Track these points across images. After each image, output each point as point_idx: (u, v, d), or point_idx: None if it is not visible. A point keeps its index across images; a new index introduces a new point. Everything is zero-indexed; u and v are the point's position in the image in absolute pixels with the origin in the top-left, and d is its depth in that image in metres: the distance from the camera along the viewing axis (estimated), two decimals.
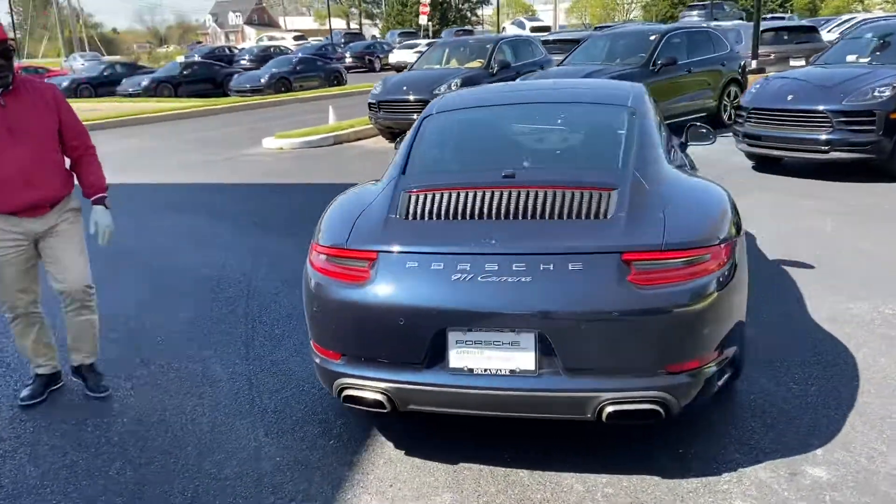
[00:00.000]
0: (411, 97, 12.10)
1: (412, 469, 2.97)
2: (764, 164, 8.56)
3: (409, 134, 3.69)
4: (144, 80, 24.86)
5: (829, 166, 7.91)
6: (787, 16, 35.01)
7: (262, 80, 23.68)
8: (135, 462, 3.11)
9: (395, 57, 33.66)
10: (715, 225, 2.82)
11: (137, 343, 4.37)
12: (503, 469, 2.92)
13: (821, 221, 6.19)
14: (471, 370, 2.65)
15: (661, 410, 2.62)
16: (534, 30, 39.05)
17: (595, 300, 2.54)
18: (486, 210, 2.88)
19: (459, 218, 2.89)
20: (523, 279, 2.59)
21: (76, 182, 3.61)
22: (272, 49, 33.10)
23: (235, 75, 25.20)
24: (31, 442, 3.32)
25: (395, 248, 2.80)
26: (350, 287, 2.77)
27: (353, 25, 70.62)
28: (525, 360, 2.61)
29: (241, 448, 3.18)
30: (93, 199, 3.59)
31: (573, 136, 3.80)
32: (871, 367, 3.59)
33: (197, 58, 30.45)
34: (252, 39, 61.13)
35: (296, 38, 46.08)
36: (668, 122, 4.72)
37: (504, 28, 44.13)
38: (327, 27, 45.57)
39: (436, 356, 2.68)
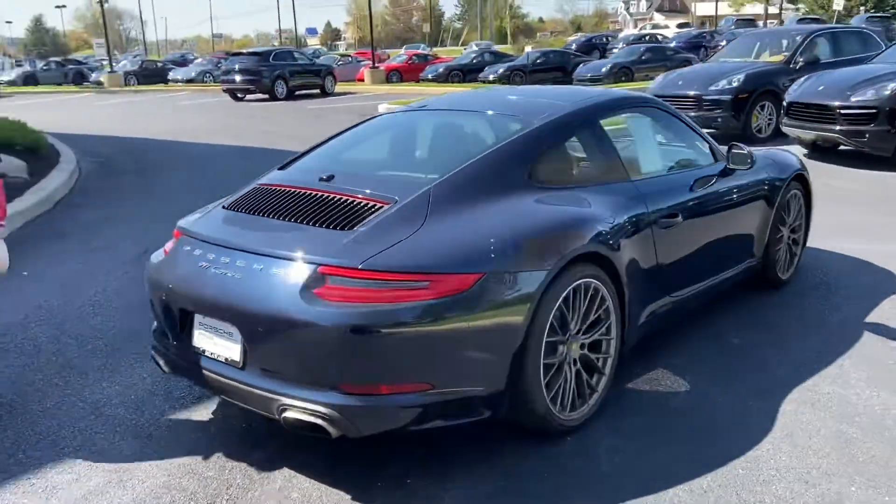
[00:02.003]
0: (688, 92, 10.95)
1: None
2: None
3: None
4: (500, 68, 26.55)
5: None
6: None
7: (603, 70, 23.45)
8: None
9: None
10: (464, 255, 2.55)
11: None
12: None
13: None
14: (203, 351, 2.73)
15: (328, 428, 2.42)
16: None
17: (277, 305, 2.47)
18: (268, 207, 2.92)
19: (249, 212, 2.96)
20: (236, 275, 2.61)
21: None
22: (646, 37, 32.47)
23: (581, 64, 25.39)
24: None
25: (187, 230, 3.01)
26: (158, 259, 3.05)
27: (773, 10, 64.67)
28: (235, 351, 2.62)
29: None
30: None
31: (443, 146, 3.28)
32: None
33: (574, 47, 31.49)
34: (650, 27, 60.30)
35: (679, 26, 44.26)
36: None
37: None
38: (746, 13, 42.34)
39: (185, 333, 2.81)
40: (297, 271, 2.50)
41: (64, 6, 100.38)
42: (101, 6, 35.35)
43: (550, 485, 2.58)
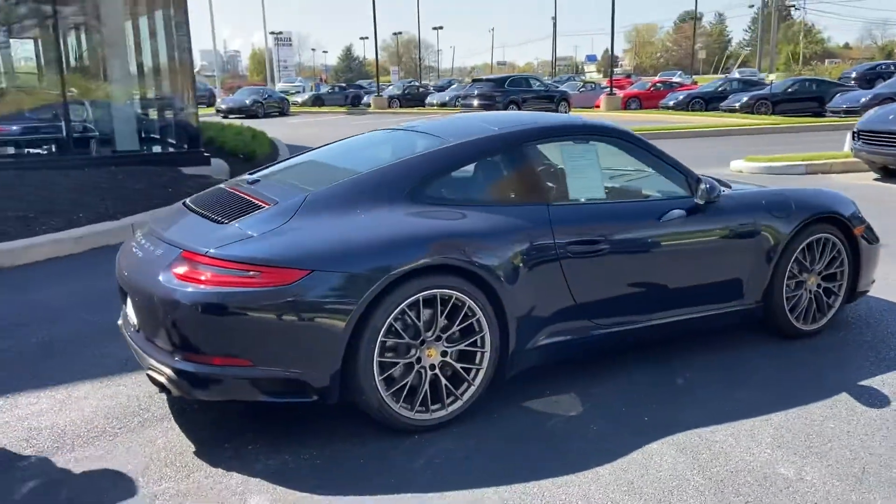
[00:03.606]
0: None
1: None
2: None
3: None
4: (745, 97, 25.03)
5: None
6: None
7: (862, 101, 20.95)
8: None
9: None
10: (295, 253, 2.86)
11: None
12: None
13: None
14: (130, 322, 3.24)
15: (171, 389, 2.90)
16: None
17: (148, 280, 2.98)
18: (204, 204, 3.46)
19: (190, 208, 3.49)
20: (143, 257, 3.17)
21: None
22: (879, 67, 28.45)
23: (837, 95, 22.95)
24: None
25: (147, 222, 3.67)
26: (121, 248, 3.66)
27: None
28: (136, 319, 3.14)
29: None
30: None
31: (366, 162, 3.59)
32: None
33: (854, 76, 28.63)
34: None
35: None
36: None
37: None
38: None
39: (126, 308, 3.32)
40: (170, 255, 2.98)
41: (367, 38, 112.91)
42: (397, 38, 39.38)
43: (365, 475, 2.84)
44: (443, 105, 34.33)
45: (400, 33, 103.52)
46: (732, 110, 24.85)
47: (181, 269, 2.90)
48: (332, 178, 3.36)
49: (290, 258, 2.85)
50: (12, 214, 7.27)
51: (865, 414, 3.24)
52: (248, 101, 32.00)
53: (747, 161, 12.11)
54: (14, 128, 11.18)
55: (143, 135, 11.37)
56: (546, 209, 3.39)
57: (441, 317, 3.06)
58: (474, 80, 28.79)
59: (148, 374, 2.99)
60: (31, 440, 3.08)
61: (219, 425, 3.20)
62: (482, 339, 3.16)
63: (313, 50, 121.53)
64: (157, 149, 11.47)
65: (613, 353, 3.80)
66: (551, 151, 3.68)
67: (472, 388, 3.18)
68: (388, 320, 2.93)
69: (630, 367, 3.74)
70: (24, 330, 4.47)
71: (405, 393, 3.04)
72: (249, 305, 2.79)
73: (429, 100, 36.51)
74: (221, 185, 3.77)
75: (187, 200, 3.66)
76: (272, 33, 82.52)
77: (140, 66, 12.19)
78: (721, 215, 3.79)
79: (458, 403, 3.16)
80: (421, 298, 2.99)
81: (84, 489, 2.71)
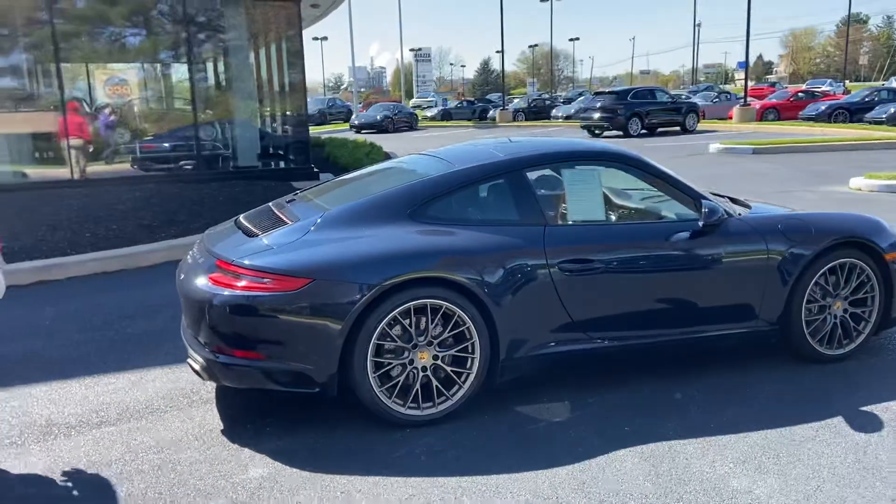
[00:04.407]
0: None
1: None
2: None
3: None
4: (892, 108, 23.34)
5: None
6: None
7: None
8: None
9: None
10: (301, 264, 3.33)
11: None
12: None
13: None
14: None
15: (203, 375, 3.47)
16: None
17: (191, 283, 3.53)
18: (250, 220, 4.01)
19: (240, 224, 4.03)
20: (192, 265, 3.71)
21: None
22: None
23: None
24: None
25: (203, 235, 4.28)
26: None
27: None
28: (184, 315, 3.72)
29: None
30: None
31: (389, 184, 3.99)
32: None
33: None
34: None
35: None
36: None
37: None
38: None
39: None
40: (209, 262, 3.56)
41: (501, 51, 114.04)
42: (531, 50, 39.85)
43: (351, 460, 3.26)
44: (567, 118, 34.30)
45: (536, 45, 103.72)
46: (878, 122, 23.28)
47: (215, 275, 3.45)
48: (352, 199, 3.82)
49: (295, 268, 3.32)
50: (141, 223, 8.35)
51: (850, 438, 3.27)
52: (378, 117, 33.57)
53: (867, 178, 11.49)
54: (159, 146, 12.67)
55: (260, 152, 12.52)
56: (542, 230, 3.67)
57: (432, 324, 3.43)
58: (596, 93, 28.58)
59: (188, 363, 3.57)
60: (100, 412, 3.74)
61: (249, 409, 3.73)
62: (472, 346, 3.49)
63: (451, 64, 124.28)
64: (272, 164, 12.56)
65: (611, 366, 4.01)
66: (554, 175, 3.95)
67: (462, 391, 3.52)
68: (382, 325, 3.33)
69: (634, 381, 3.92)
70: (126, 322, 5.27)
71: (398, 390, 3.43)
72: (263, 307, 3.28)
73: (554, 113, 36.64)
74: (269, 204, 4.33)
75: (240, 217, 4.25)
76: (411, 50, 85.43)
77: (260, 90, 13.42)
78: (727, 237, 3.90)
79: (448, 403, 3.50)
80: (412, 307, 3.37)
81: (119, 454, 3.30)
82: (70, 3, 12.20)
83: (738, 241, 3.92)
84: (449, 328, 3.46)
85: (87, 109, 12.65)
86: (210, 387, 4.01)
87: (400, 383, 3.43)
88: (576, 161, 4.03)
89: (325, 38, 76.24)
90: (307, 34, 16.48)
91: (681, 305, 3.87)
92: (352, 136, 30.19)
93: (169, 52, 12.51)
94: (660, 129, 25.00)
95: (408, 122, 34.72)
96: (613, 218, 3.99)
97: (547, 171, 3.98)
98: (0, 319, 5.37)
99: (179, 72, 12.61)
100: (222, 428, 3.54)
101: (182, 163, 11.99)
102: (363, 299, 3.28)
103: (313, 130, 37.84)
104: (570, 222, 3.83)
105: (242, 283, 3.34)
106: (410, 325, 3.40)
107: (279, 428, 3.51)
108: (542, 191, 3.92)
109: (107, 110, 12.62)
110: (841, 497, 2.81)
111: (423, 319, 3.43)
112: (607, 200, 4.09)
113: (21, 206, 9.37)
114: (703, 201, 3.89)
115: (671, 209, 4.01)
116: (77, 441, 3.42)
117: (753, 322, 3.99)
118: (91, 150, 11.89)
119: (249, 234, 3.73)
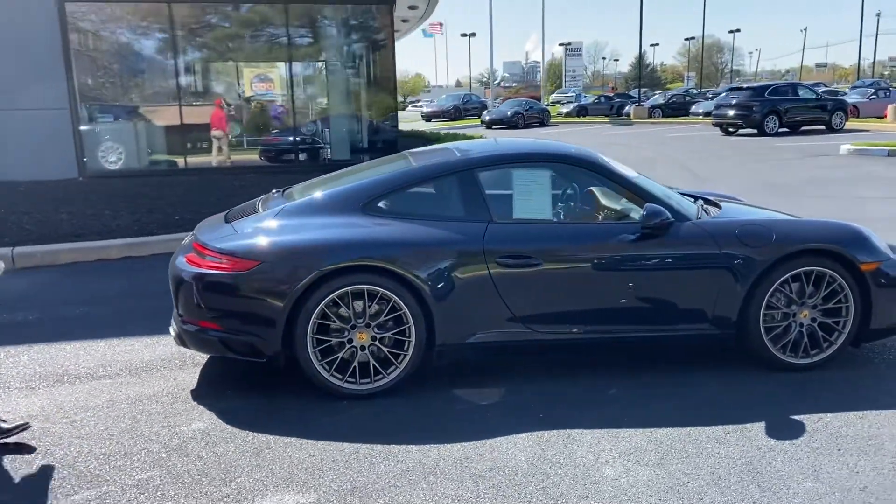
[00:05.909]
0: None
1: None
2: None
3: None
4: None
5: None
6: None
7: None
8: None
9: None
10: (252, 248, 3.80)
11: None
12: None
13: None
14: None
15: (177, 342, 4.04)
16: None
17: (174, 263, 4.05)
18: (233, 209, 4.59)
19: (227, 213, 4.58)
20: (182, 245, 4.26)
21: None
22: None
23: None
24: None
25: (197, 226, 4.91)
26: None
27: None
28: None
29: None
30: None
31: (362, 177, 4.36)
32: None
33: None
34: None
35: None
36: None
37: None
38: None
39: None
40: (190, 245, 4.07)
41: (657, 44, 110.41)
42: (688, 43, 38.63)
43: (291, 425, 3.67)
44: (707, 115, 32.81)
45: (692, 38, 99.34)
46: None
47: (190, 255, 3.99)
48: (320, 192, 4.23)
49: (247, 252, 3.78)
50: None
51: (758, 443, 3.26)
52: (509, 113, 33.84)
53: None
54: (276, 141, 13.87)
55: (352, 145, 13.43)
56: (484, 227, 3.90)
57: (370, 308, 3.77)
58: (731, 89, 27.14)
59: (169, 331, 4.14)
60: (107, 367, 4.40)
61: (224, 375, 4.25)
62: (408, 330, 3.79)
63: (604, 59, 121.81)
64: (363, 157, 13.42)
65: (573, 359, 4.16)
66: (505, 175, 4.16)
67: (398, 370, 3.83)
68: (321, 306, 3.72)
69: (581, 376, 4.05)
70: (152, 298, 5.90)
71: (337, 365, 3.80)
72: (220, 285, 3.77)
73: (693, 109, 35.16)
74: (259, 197, 4.83)
75: (233, 208, 4.79)
76: (560, 44, 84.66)
77: (354, 90, 14.34)
78: (676, 240, 3.92)
79: (385, 380, 3.83)
80: (350, 291, 3.73)
81: (102, 402, 3.91)
82: (225, 14, 13.63)
83: (688, 245, 3.94)
84: (386, 313, 3.79)
85: (228, 105, 13.95)
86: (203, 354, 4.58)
87: (339, 359, 3.80)
88: (530, 163, 4.21)
89: (473, 35, 77.38)
90: (415, 35, 17.26)
91: (624, 304, 3.95)
92: (480, 131, 30.65)
93: (276, 55, 13.65)
94: (803, 128, 23.47)
95: (539, 118, 34.72)
96: (557, 217, 4.13)
97: (505, 171, 4.18)
98: (75, 289, 6.30)
99: (282, 76, 13.75)
100: (193, 388, 4.07)
101: (290, 155, 13.21)
102: (302, 283, 3.68)
103: (445, 125, 39.33)
104: (513, 220, 4.02)
105: (208, 263, 3.84)
106: (349, 307, 3.76)
107: (239, 392, 3.99)
108: (496, 190, 4.13)
109: (277, 103, 13.91)
110: (700, 493, 2.87)
111: (362, 303, 3.78)
112: (566, 200, 4.22)
113: (151, 191, 10.64)
114: (647, 204, 3.94)
115: (622, 211, 4.10)
116: (77, 388, 4.08)
117: (704, 325, 3.99)
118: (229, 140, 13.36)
119: (227, 222, 4.24)
